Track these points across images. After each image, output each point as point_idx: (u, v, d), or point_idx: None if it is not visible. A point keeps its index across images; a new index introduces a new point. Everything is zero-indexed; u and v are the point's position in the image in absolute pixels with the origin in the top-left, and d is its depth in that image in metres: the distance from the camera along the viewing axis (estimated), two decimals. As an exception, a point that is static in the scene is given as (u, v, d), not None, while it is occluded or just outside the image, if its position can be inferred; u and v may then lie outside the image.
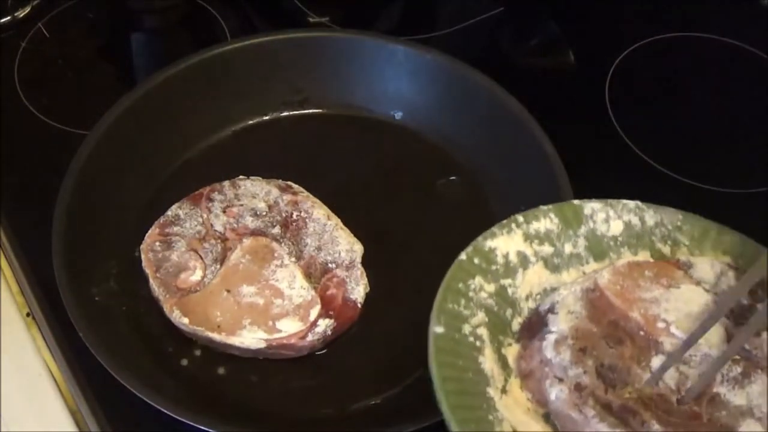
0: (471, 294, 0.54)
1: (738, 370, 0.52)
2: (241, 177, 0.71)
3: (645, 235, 0.59)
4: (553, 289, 0.57)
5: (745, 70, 0.87)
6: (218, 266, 0.65)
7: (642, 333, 0.53)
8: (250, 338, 0.62)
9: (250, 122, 0.78)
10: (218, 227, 0.67)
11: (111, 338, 0.60)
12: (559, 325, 0.54)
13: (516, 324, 0.56)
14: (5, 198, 0.73)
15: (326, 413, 0.62)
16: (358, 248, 0.67)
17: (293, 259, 0.66)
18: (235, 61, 0.76)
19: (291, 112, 0.79)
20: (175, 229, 0.67)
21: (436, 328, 0.51)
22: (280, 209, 0.69)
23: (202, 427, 0.56)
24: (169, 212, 0.68)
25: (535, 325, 0.55)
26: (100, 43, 0.88)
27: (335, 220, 0.68)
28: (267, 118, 0.78)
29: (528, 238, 0.58)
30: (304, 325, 0.62)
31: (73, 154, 0.68)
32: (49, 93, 0.81)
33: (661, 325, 0.53)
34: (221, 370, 0.63)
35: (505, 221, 0.58)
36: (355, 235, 0.68)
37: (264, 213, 0.68)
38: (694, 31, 0.89)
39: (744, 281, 0.54)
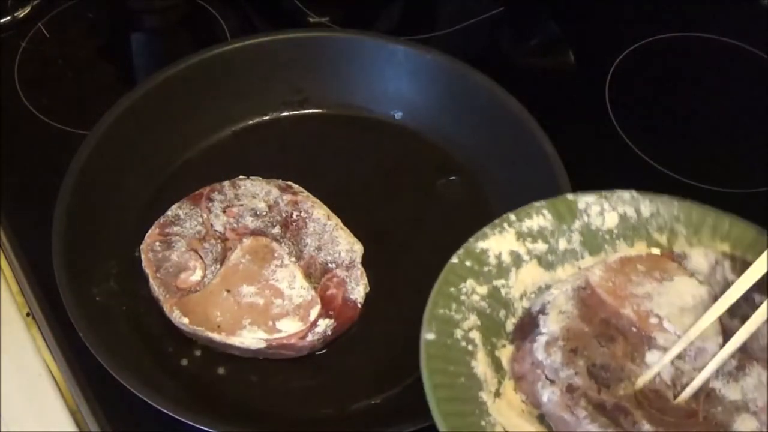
0: (463, 298, 0.54)
1: (733, 363, 0.52)
2: (241, 177, 0.71)
3: (641, 226, 0.59)
4: (548, 287, 0.57)
5: (745, 70, 0.87)
6: (218, 266, 0.65)
7: (634, 329, 0.53)
8: (250, 338, 0.62)
9: (250, 122, 0.78)
10: (218, 227, 0.67)
11: (111, 338, 0.60)
12: (550, 326, 0.53)
13: (510, 325, 0.56)
14: (5, 198, 0.73)
15: (326, 413, 0.62)
16: (358, 248, 0.67)
17: (293, 259, 0.66)
18: (235, 61, 0.76)
19: (291, 112, 0.78)
20: (175, 229, 0.67)
21: (427, 335, 0.51)
22: (280, 209, 0.69)
23: (202, 427, 0.56)
24: (169, 212, 0.68)
25: (528, 327, 0.55)
26: (100, 43, 0.88)
27: (335, 220, 0.68)
28: (267, 118, 0.78)
29: (521, 236, 0.57)
30: (304, 325, 0.62)
31: (73, 154, 0.67)
32: (49, 93, 0.81)
33: (653, 320, 0.53)
34: (221, 370, 0.63)
35: (497, 220, 0.57)
36: (355, 235, 0.68)
37: (264, 213, 0.68)
38: (694, 31, 0.89)
39: (745, 279, 0.54)
